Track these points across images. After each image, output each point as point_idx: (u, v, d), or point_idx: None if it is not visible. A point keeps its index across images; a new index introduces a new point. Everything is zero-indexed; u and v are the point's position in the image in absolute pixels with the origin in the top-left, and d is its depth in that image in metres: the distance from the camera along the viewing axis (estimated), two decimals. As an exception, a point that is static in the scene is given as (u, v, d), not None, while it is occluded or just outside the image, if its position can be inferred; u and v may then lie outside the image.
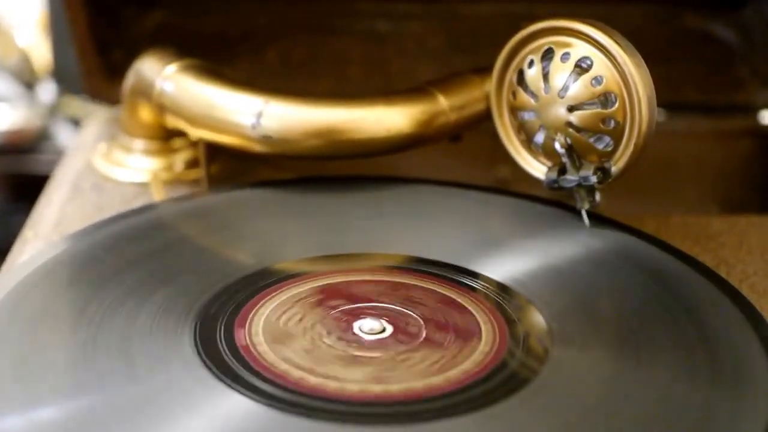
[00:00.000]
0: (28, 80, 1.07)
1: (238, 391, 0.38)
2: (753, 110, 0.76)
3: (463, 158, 0.71)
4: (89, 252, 0.48)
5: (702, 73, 0.76)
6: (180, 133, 0.59)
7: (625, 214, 0.54)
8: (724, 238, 0.56)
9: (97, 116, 0.72)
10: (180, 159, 0.62)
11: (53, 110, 1.05)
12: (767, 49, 0.75)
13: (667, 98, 0.75)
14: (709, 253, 0.54)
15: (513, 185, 0.69)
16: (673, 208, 0.76)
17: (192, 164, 0.62)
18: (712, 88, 0.76)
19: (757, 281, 0.51)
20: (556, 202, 0.53)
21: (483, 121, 0.56)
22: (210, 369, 0.39)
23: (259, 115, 0.53)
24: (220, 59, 0.70)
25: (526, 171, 0.53)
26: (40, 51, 1.08)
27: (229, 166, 0.63)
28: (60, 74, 0.89)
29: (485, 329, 0.43)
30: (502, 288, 0.46)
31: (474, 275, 0.47)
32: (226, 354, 0.40)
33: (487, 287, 0.46)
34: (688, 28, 0.78)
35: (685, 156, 0.76)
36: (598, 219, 0.51)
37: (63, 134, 1.02)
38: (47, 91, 1.07)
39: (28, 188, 0.65)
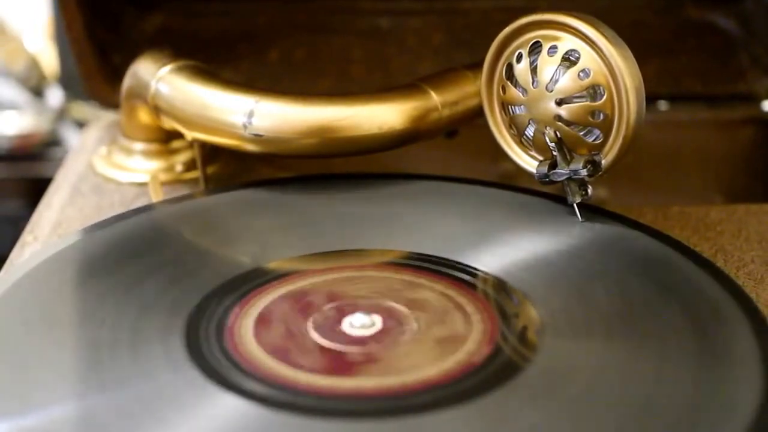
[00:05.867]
0: (36, 85, 1.08)
1: (229, 392, 0.38)
2: (755, 99, 0.76)
3: (467, 153, 0.71)
4: (86, 252, 0.48)
5: (703, 63, 0.76)
6: (179, 135, 0.60)
7: (628, 205, 0.54)
8: (723, 226, 0.56)
9: (99, 119, 0.73)
10: (180, 160, 0.63)
11: (61, 115, 1.05)
12: (768, 38, 0.75)
13: (669, 89, 0.76)
14: (707, 242, 0.54)
15: (517, 179, 0.69)
16: (677, 198, 0.76)
17: (192, 165, 0.62)
18: (713, 78, 0.76)
19: (755, 269, 0.52)
20: (551, 194, 0.53)
21: (477, 116, 0.56)
22: (200, 370, 0.39)
23: (251, 115, 0.54)
24: (221, 61, 0.71)
25: (518, 165, 0.53)
26: (49, 56, 1.09)
27: (229, 165, 0.63)
28: (66, 80, 0.89)
29: (478, 322, 0.43)
30: (496, 281, 0.46)
31: (468, 269, 0.47)
32: (217, 354, 0.41)
33: (481, 280, 0.46)
34: (689, 19, 0.78)
35: (687, 146, 0.76)
36: (591, 210, 0.51)
37: (72, 139, 1.02)
38: (55, 96, 1.07)
39: (38, 193, 0.66)
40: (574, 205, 0.51)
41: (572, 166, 0.50)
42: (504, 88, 0.52)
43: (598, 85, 0.49)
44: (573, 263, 0.47)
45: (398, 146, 0.55)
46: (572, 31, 0.49)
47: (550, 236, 0.50)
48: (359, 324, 0.43)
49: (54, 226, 0.56)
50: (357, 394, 0.38)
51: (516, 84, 0.51)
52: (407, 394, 0.38)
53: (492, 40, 0.53)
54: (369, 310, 0.43)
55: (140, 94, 0.59)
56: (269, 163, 0.63)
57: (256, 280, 0.46)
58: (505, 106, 0.53)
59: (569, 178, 0.50)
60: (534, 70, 0.50)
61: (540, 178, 0.51)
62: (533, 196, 0.54)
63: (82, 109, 1.03)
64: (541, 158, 0.52)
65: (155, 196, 0.57)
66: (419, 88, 0.55)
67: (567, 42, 0.50)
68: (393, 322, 0.43)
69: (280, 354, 0.41)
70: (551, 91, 0.50)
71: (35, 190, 0.97)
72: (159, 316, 0.43)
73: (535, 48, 0.51)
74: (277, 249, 0.49)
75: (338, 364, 0.40)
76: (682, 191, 0.77)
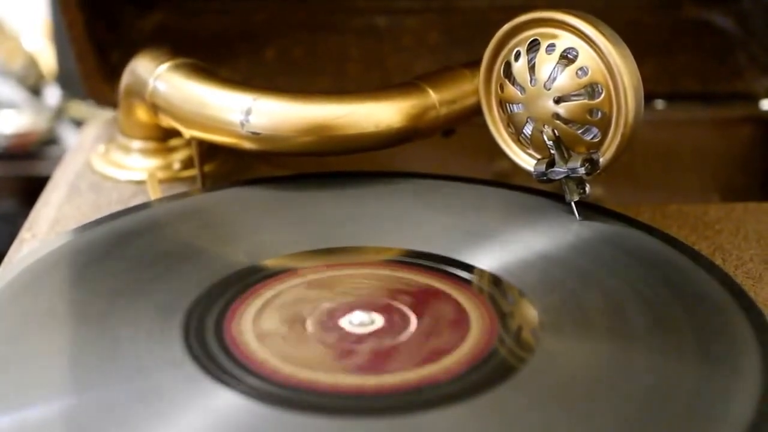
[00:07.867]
0: (34, 84, 1.08)
1: (227, 388, 0.38)
2: (753, 98, 0.76)
3: (464, 152, 0.71)
4: (83, 250, 0.48)
5: (701, 62, 0.76)
6: (176, 133, 0.59)
7: (625, 204, 0.54)
8: (721, 225, 0.56)
9: (97, 118, 0.73)
10: (177, 158, 0.63)
11: (59, 114, 1.06)
12: (766, 37, 0.75)
13: (666, 88, 0.76)
14: (705, 241, 0.54)
15: (513, 178, 0.69)
16: (674, 197, 0.76)
17: (190, 163, 0.62)
18: (711, 77, 0.76)
19: (753, 267, 0.52)
20: (549, 193, 0.53)
21: (475, 115, 0.56)
22: (199, 366, 0.39)
23: (248, 112, 0.53)
24: (219, 59, 0.71)
25: (516, 164, 0.53)
26: (47, 55, 1.09)
27: (227, 163, 0.63)
28: (64, 79, 0.89)
29: (476, 321, 0.43)
30: (494, 279, 0.46)
31: (466, 267, 0.47)
32: (216, 350, 0.41)
33: (479, 279, 0.46)
34: (687, 18, 0.78)
35: (685, 145, 0.76)
36: (588, 208, 0.51)
37: (69, 138, 1.03)
38: (53, 95, 1.08)
39: (35, 192, 0.66)
40: (572, 203, 0.51)
41: (570, 165, 0.50)
42: (502, 87, 0.52)
43: (597, 83, 0.49)
44: (571, 261, 0.47)
45: (396, 144, 0.55)
46: (570, 29, 0.49)
47: (547, 234, 0.49)
48: (358, 322, 0.42)
49: (52, 224, 0.56)
50: (355, 392, 0.38)
51: (514, 82, 0.51)
52: (406, 392, 0.38)
53: (489, 39, 0.53)
54: (368, 307, 0.43)
55: (138, 92, 0.59)
56: (267, 161, 0.63)
57: (254, 276, 0.46)
58: (503, 104, 0.53)
59: (567, 177, 0.50)
60: (532, 68, 0.50)
61: (538, 176, 0.51)
62: (531, 195, 0.54)
63: (80, 108, 1.03)
64: (539, 156, 0.52)
65: (153, 194, 0.57)
66: (417, 87, 0.55)
67: (565, 40, 0.50)
68: (392, 320, 0.43)
69: (279, 351, 0.41)
70: (549, 89, 0.50)
71: (32, 188, 0.97)
72: (157, 312, 0.43)
73: (533, 46, 0.51)
74: (274, 246, 0.49)
75: (337, 361, 0.40)
76: (679, 190, 0.77)
